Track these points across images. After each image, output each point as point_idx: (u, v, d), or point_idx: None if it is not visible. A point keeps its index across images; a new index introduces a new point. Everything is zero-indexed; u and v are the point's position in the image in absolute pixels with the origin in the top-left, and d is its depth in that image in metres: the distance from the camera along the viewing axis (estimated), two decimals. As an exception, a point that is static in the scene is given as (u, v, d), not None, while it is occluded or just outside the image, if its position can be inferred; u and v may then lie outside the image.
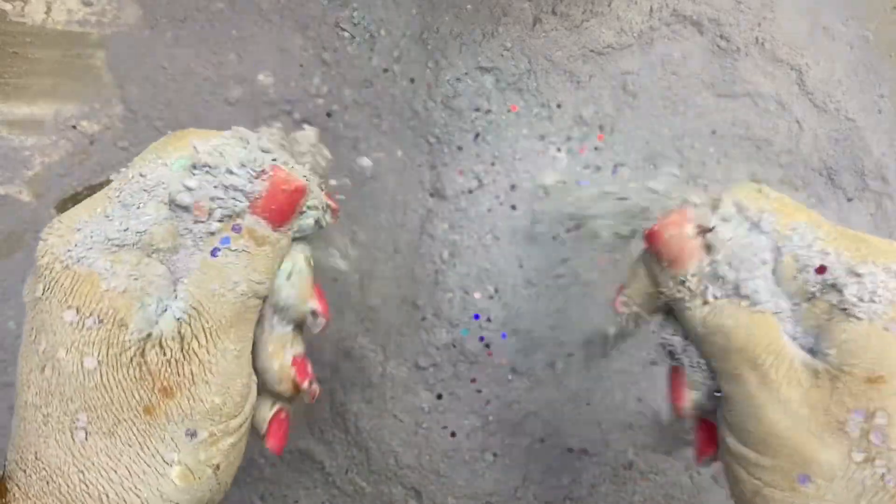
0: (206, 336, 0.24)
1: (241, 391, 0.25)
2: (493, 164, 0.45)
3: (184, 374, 0.23)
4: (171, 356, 0.23)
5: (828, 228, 0.25)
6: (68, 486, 0.22)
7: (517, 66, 0.46)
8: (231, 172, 0.25)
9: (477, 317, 0.44)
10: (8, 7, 0.45)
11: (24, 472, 0.23)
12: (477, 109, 0.45)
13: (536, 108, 0.46)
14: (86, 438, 0.22)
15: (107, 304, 0.23)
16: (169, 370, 0.23)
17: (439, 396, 0.43)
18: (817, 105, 0.48)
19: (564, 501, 0.43)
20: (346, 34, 0.46)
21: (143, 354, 0.23)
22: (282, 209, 0.26)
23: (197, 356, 0.24)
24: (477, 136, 0.45)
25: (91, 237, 0.24)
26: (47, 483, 0.22)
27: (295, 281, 0.28)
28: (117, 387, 0.23)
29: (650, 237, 0.27)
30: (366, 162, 0.45)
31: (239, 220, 0.25)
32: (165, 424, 0.23)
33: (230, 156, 0.25)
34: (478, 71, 0.45)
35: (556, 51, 0.46)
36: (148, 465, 0.23)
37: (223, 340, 0.24)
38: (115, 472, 0.23)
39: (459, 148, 0.45)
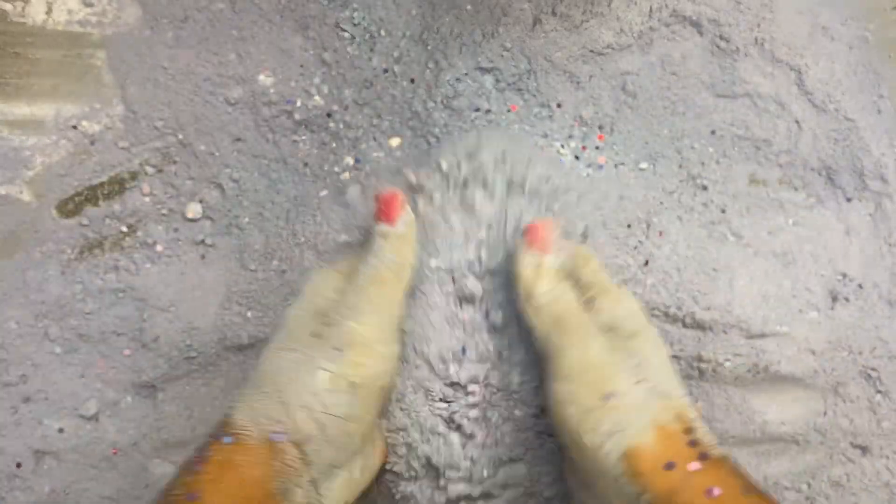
0: (355, 293, 0.36)
1: (377, 328, 0.35)
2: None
3: (340, 315, 0.35)
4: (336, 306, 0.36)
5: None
6: (265, 377, 0.34)
7: (517, 66, 0.46)
8: None
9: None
10: (9, 7, 0.45)
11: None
12: (477, 109, 0.45)
13: (536, 108, 0.46)
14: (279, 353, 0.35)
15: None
16: (333, 312, 0.36)
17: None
18: (817, 105, 0.48)
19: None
20: (346, 34, 0.46)
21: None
22: (389, 212, 0.38)
23: (348, 307, 0.36)
24: (477, 136, 0.46)
25: None
26: (260, 384, 0.34)
27: None
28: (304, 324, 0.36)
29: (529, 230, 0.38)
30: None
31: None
32: (324, 344, 0.35)
33: None
34: (478, 71, 0.46)
35: (556, 51, 0.46)
36: (306, 372, 0.34)
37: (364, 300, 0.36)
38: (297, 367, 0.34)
39: (459, 148, 0.45)
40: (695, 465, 0.31)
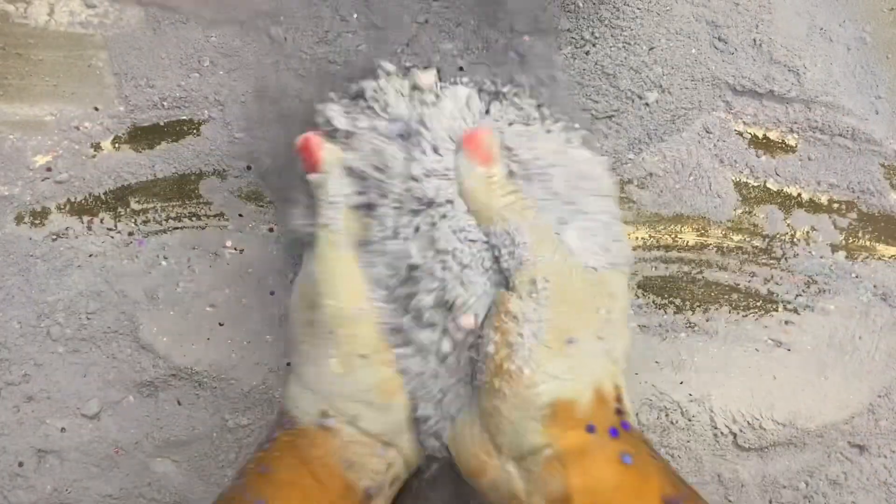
0: (319, 265, 0.36)
1: (350, 292, 0.35)
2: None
3: (317, 294, 0.35)
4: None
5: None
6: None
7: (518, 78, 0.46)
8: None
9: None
10: (11, 9, 0.45)
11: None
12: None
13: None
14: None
15: None
16: (313, 293, 0.35)
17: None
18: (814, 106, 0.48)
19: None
20: (347, 33, 0.46)
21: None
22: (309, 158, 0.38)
23: (319, 284, 0.35)
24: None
25: None
26: (297, 376, 0.36)
27: None
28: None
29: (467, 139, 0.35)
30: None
31: None
32: (318, 330, 0.35)
33: None
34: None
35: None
36: (320, 363, 0.35)
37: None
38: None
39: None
40: (614, 432, 0.32)
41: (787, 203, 0.47)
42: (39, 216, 0.45)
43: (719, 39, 0.46)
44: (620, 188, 0.46)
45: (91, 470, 0.46)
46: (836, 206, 0.48)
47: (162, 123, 0.46)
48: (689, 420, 0.46)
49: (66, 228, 0.45)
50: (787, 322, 0.47)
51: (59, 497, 0.45)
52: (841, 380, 0.47)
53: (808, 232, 0.47)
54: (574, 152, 0.39)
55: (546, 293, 0.32)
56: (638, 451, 0.32)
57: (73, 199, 0.46)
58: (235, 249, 0.46)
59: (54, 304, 0.45)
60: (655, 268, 0.47)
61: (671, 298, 0.47)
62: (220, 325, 0.46)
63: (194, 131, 0.46)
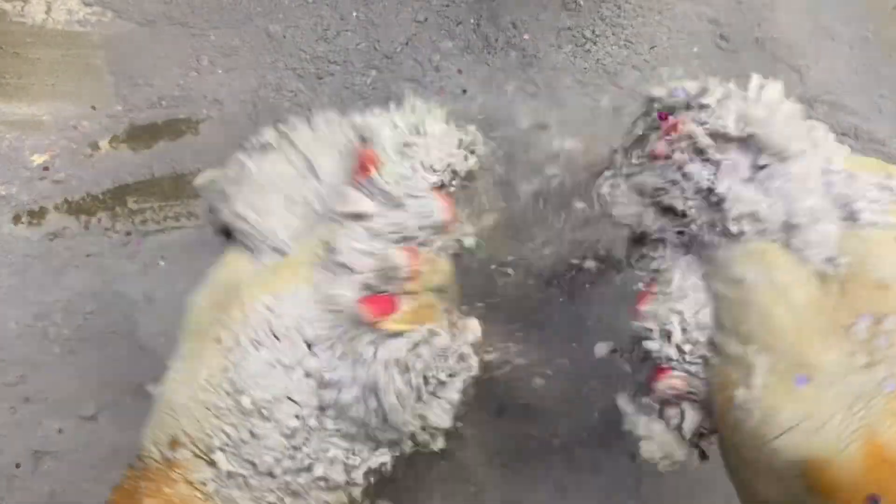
0: None
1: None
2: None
3: None
4: None
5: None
6: None
7: (529, 79, 0.46)
8: None
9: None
10: (8, 7, 0.45)
11: None
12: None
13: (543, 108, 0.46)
14: None
15: None
16: None
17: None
18: (817, 105, 0.48)
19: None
20: (346, 31, 0.46)
21: None
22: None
23: None
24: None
25: None
26: None
27: None
28: None
29: None
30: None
31: None
32: None
33: None
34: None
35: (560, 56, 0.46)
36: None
37: None
38: None
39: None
40: None
41: (790, 203, 0.47)
42: (37, 216, 0.45)
43: (721, 38, 0.46)
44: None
45: (88, 472, 0.45)
46: (839, 205, 0.47)
47: (160, 122, 0.46)
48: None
49: (64, 228, 0.45)
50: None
51: (57, 499, 0.45)
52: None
53: (810, 232, 0.47)
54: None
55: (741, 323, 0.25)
56: None
57: (70, 199, 0.45)
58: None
59: (52, 304, 0.45)
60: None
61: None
62: (219, 325, 0.46)
63: (193, 130, 0.46)
